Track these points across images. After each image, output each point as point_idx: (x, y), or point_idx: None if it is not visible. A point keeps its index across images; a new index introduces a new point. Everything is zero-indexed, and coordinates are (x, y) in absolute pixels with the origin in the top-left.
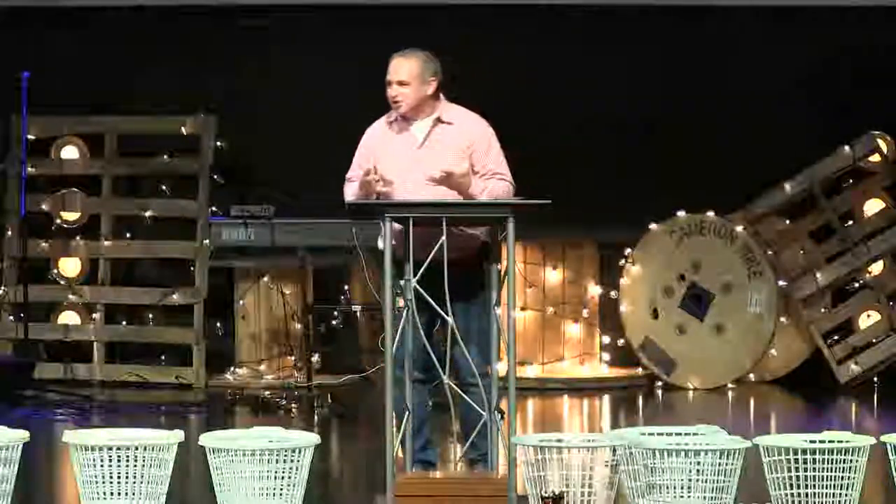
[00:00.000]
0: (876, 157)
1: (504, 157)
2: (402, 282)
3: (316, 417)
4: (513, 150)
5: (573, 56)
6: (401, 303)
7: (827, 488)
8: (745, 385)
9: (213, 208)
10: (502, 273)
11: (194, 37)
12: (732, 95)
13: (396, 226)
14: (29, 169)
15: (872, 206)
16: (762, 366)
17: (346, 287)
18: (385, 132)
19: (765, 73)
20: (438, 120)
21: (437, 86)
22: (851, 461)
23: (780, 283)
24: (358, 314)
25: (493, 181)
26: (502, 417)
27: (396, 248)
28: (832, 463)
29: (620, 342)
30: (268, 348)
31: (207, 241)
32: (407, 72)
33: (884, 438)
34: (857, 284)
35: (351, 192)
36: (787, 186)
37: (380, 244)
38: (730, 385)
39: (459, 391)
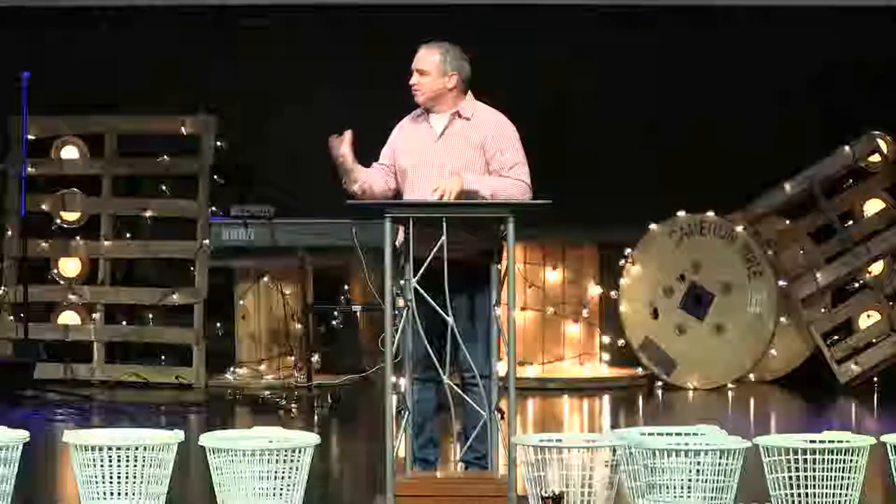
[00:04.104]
0: (876, 157)
1: (524, 160)
2: (402, 282)
3: (316, 417)
4: None
5: (573, 56)
6: (401, 303)
7: (827, 488)
8: (745, 385)
9: (213, 208)
10: (502, 273)
11: (194, 37)
12: (733, 95)
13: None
14: (29, 169)
15: (872, 206)
16: (762, 366)
17: (346, 287)
18: (409, 125)
19: (765, 73)
20: (457, 114)
21: (459, 81)
22: (851, 461)
23: (780, 283)
24: (358, 314)
25: (506, 180)
26: (502, 417)
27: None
28: (832, 463)
29: (620, 342)
30: (268, 348)
31: (207, 241)
32: (426, 62)
33: (884, 438)
34: (857, 284)
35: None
36: (787, 186)
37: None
38: (730, 385)
39: (460, 391)
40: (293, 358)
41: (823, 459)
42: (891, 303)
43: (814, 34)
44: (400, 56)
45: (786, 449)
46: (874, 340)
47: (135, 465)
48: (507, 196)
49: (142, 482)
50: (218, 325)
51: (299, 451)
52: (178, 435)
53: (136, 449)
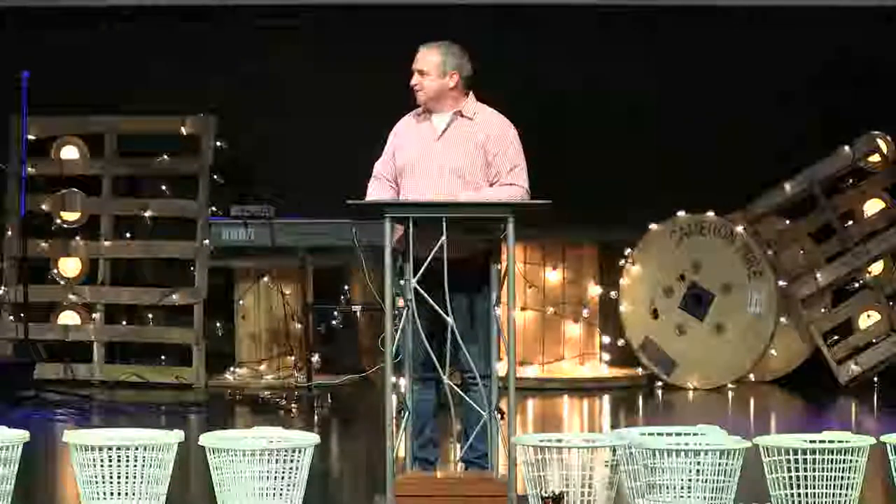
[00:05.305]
0: (876, 157)
1: (524, 163)
2: (402, 282)
3: (316, 417)
4: None
5: (573, 56)
6: (401, 303)
7: (827, 488)
8: (745, 385)
9: (213, 208)
10: (502, 273)
11: (194, 37)
12: (733, 95)
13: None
14: (29, 169)
15: (872, 206)
16: (762, 366)
17: (346, 287)
18: (410, 124)
19: (765, 73)
20: (459, 114)
21: (460, 80)
22: (851, 461)
23: (780, 283)
24: (358, 314)
25: (505, 189)
26: (502, 417)
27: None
28: (832, 463)
29: (620, 342)
30: (268, 348)
31: (207, 241)
32: (426, 62)
33: (884, 438)
34: (857, 284)
35: (373, 192)
36: (787, 186)
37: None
38: (730, 385)
39: (460, 391)
40: (293, 358)
41: (823, 459)
42: (891, 303)
43: (814, 34)
44: (401, 56)
45: (786, 449)
46: (874, 340)
47: (135, 465)
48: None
49: (142, 482)
50: (218, 325)
51: (299, 451)
52: (178, 435)
53: (136, 449)
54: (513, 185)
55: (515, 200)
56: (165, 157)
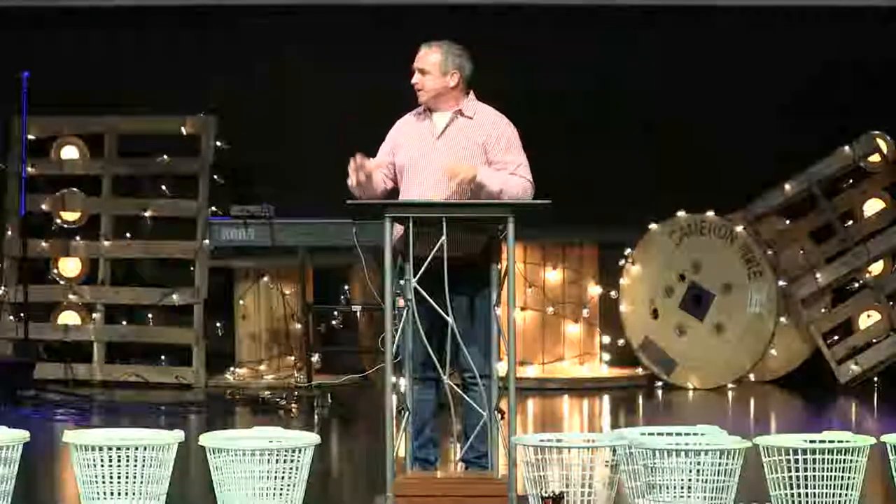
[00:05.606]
0: (876, 157)
1: (525, 160)
2: (402, 282)
3: (316, 417)
4: None
5: (572, 56)
6: (401, 303)
7: (827, 488)
8: (745, 385)
9: (213, 208)
10: (502, 273)
11: (194, 37)
12: (733, 95)
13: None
14: (29, 169)
15: (872, 206)
16: (762, 366)
17: (346, 287)
18: (410, 123)
19: (765, 73)
20: (460, 112)
21: (460, 79)
22: (851, 461)
23: (780, 283)
24: (358, 314)
25: (514, 178)
26: (502, 417)
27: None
28: (832, 463)
29: (620, 342)
30: (268, 348)
31: (207, 241)
32: (427, 61)
33: (884, 438)
34: (857, 284)
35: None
36: (787, 186)
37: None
38: (730, 385)
39: (460, 391)
40: (293, 358)
41: (823, 459)
42: (891, 303)
43: (814, 34)
44: (401, 55)
45: (786, 449)
46: (874, 340)
47: (135, 465)
48: (513, 195)
49: (142, 482)
50: (218, 325)
51: (299, 451)
52: (178, 435)
53: (136, 449)
54: (520, 176)
55: (520, 200)
56: (165, 157)
